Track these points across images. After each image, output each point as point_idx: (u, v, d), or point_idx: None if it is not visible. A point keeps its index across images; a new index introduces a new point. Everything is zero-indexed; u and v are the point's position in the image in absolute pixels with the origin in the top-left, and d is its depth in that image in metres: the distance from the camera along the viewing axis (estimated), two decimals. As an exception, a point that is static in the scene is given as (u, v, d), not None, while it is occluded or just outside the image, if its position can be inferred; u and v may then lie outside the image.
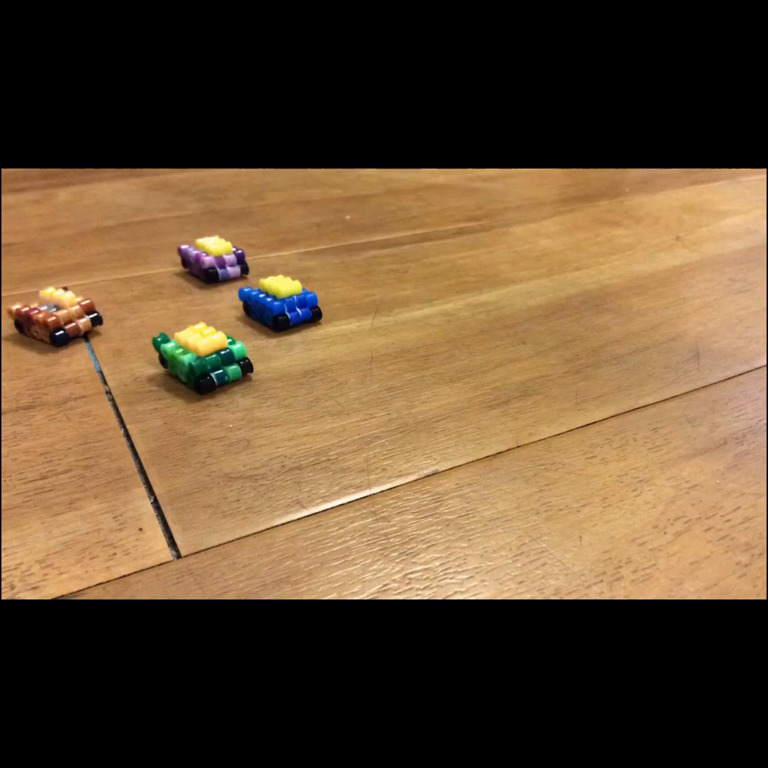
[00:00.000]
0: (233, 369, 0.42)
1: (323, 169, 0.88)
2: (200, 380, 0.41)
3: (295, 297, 0.50)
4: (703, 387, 0.43)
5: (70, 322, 0.48)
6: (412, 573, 0.30)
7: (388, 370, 0.45)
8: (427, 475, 0.35)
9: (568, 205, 0.76)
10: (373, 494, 0.34)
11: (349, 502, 0.33)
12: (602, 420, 0.40)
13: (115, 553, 0.31)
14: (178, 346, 0.43)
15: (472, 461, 0.36)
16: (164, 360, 0.44)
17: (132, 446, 0.37)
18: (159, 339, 0.44)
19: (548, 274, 0.59)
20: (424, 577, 0.29)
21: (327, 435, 0.38)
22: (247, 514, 0.33)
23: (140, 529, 0.32)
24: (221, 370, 0.42)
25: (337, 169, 0.88)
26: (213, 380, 0.42)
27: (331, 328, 0.50)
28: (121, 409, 0.40)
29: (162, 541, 0.31)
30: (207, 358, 0.42)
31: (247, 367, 0.43)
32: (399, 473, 0.35)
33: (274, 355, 0.46)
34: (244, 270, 0.58)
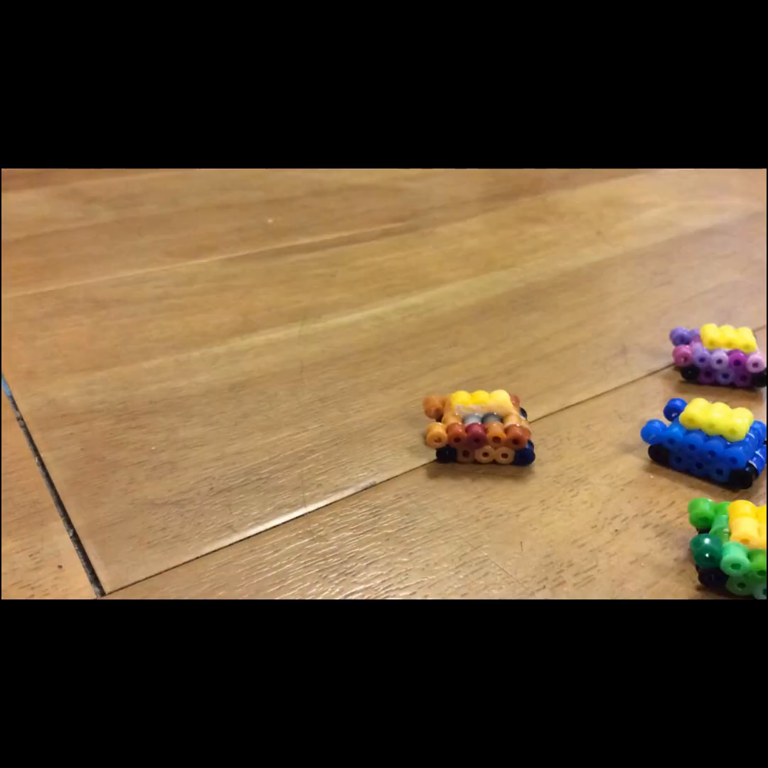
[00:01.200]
0: None
1: (241, 170, 0.86)
2: None
3: (750, 435, 0.35)
4: (631, 382, 0.44)
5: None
6: (352, 594, 0.29)
7: (320, 379, 0.43)
8: (365, 488, 0.34)
9: (491, 204, 0.77)
10: (309, 513, 0.33)
11: (284, 523, 0.32)
12: (536, 420, 0.40)
13: (33, 595, 0.28)
14: (759, 552, 0.28)
15: (409, 470, 0.35)
16: (714, 575, 0.28)
17: (47, 476, 0.35)
18: (710, 544, 0.28)
19: (476, 273, 0.59)
20: (364, 597, 0.28)
21: (258, 452, 0.37)
22: (175, 542, 0.31)
23: (59, 567, 0.30)
24: None
25: (256, 170, 0.86)
26: None
27: (257, 337, 0.48)
28: (34, 436, 0.38)
29: (84, 578, 0.29)
30: None
31: None
32: (335, 488, 0.34)
33: (198, 369, 0.44)
34: None
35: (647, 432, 0.36)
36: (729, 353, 0.42)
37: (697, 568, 0.29)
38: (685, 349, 0.43)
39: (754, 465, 0.34)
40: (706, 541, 0.29)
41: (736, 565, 0.28)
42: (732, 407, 0.36)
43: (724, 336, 0.43)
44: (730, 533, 0.29)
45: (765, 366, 0.42)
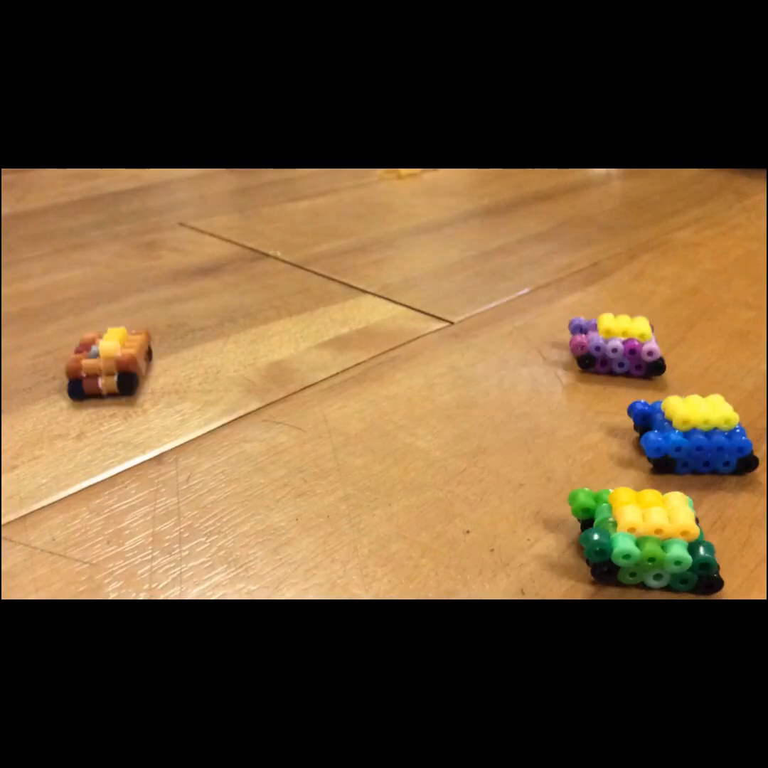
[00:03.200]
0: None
1: None
2: (713, 576, 0.28)
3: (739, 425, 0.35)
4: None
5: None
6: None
7: None
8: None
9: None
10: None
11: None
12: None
13: None
14: (648, 540, 0.28)
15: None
16: (606, 568, 0.28)
17: None
18: (599, 538, 0.28)
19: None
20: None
21: None
22: None
23: None
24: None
25: None
26: (718, 566, 0.29)
27: None
28: None
29: None
30: (702, 537, 0.29)
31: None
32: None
33: None
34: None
35: (652, 446, 0.35)
36: (624, 342, 0.42)
37: (588, 562, 0.29)
38: (580, 338, 0.43)
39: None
40: (596, 535, 0.28)
41: (627, 556, 0.28)
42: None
43: (620, 325, 0.43)
44: (615, 523, 0.29)
45: (659, 354, 0.42)
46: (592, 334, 0.43)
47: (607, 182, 0.85)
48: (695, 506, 0.33)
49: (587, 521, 0.31)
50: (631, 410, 0.38)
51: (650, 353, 0.42)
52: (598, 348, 0.43)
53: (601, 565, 0.29)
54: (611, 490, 0.31)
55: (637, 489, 0.31)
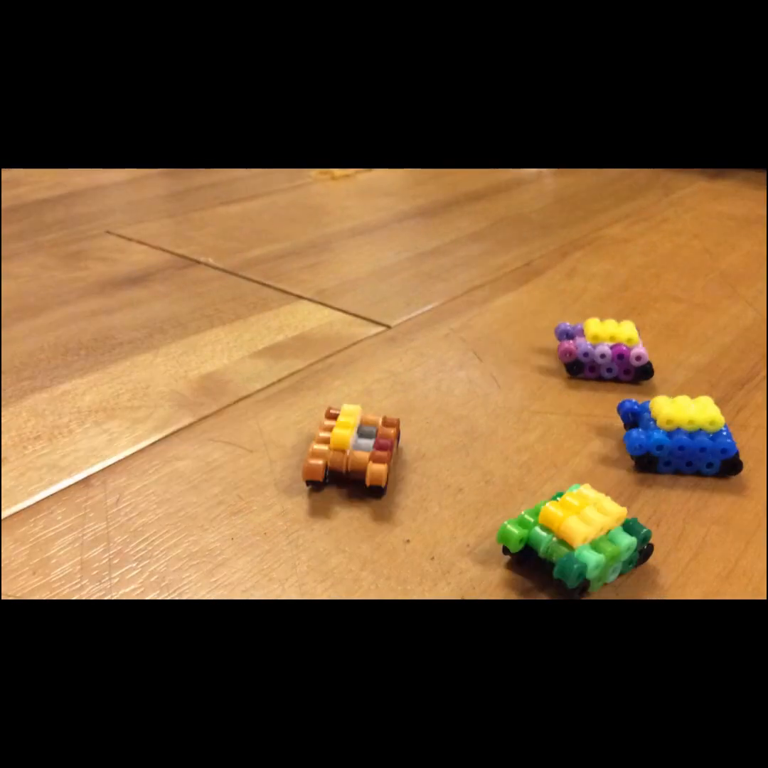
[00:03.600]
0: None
1: None
2: (650, 544, 0.30)
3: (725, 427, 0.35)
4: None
5: None
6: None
7: None
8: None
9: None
10: None
11: None
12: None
13: None
14: (601, 541, 0.29)
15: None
16: (582, 586, 0.28)
17: None
18: (577, 568, 0.27)
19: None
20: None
21: None
22: None
23: None
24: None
25: None
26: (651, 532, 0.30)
27: None
28: None
29: None
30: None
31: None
32: None
33: None
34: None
35: (634, 444, 0.34)
36: (612, 347, 0.42)
37: (566, 586, 0.28)
38: (568, 344, 0.42)
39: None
40: (575, 565, 0.27)
41: (597, 566, 0.28)
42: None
43: (607, 330, 0.42)
44: (560, 541, 0.29)
45: (647, 359, 0.42)
46: (579, 340, 0.42)
47: (538, 180, 0.86)
48: (630, 502, 0.34)
49: (528, 552, 0.30)
50: (621, 408, 0.38)
51: (638, 358, 0.42)
52: (586, 354, 0.42)
53: (581, 585, 0.28)
54: (532, 511, 0.30)
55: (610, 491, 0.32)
